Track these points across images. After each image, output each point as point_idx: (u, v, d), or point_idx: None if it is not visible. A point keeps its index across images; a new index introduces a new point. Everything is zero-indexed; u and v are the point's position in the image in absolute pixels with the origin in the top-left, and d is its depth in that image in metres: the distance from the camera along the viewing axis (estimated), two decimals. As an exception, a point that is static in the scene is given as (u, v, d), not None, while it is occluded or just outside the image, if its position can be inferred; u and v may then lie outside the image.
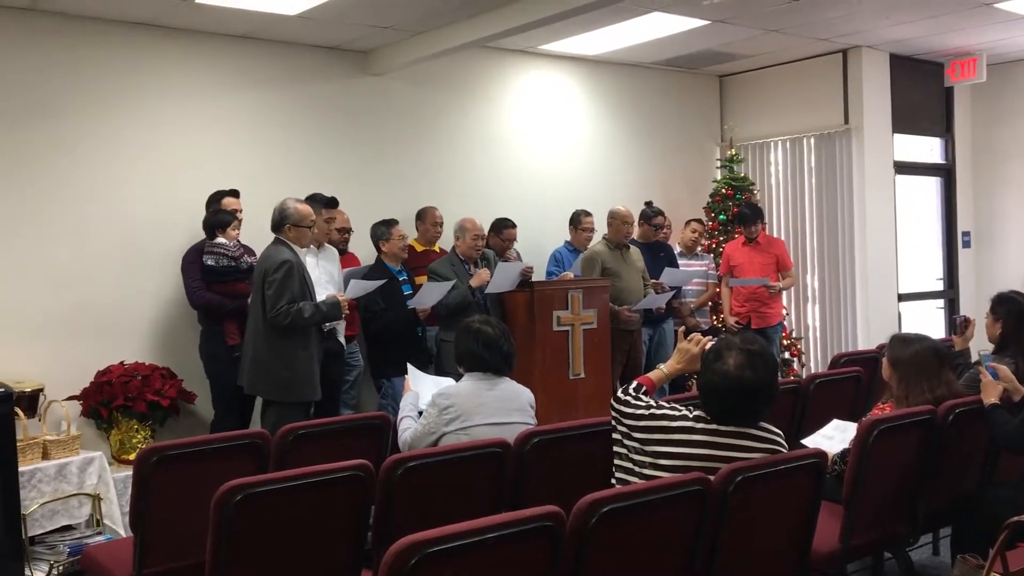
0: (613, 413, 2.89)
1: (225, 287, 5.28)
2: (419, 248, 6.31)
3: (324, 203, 5.36)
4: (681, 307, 6.96)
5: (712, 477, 2.60)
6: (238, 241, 5.38)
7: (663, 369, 3.11)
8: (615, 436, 2.89)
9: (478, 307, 5.59)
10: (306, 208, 4.87)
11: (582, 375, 5.71)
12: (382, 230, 5.83)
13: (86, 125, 5.58)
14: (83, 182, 5.57)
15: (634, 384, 2.97)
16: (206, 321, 5.40)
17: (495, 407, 3.51)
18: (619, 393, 2.91)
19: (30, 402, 4.88)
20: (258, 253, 5.23)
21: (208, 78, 6.03)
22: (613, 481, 2.88)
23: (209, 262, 5.25)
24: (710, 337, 3.15)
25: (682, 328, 3.62)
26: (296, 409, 4.62)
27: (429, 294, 5.51)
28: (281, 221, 4.77)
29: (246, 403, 5.26)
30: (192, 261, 5.35)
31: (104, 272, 5.60)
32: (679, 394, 4.62)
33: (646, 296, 6.35)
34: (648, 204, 7.11)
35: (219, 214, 5.36)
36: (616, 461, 2.87)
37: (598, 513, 2.33)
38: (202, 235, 5.39)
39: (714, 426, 2.73)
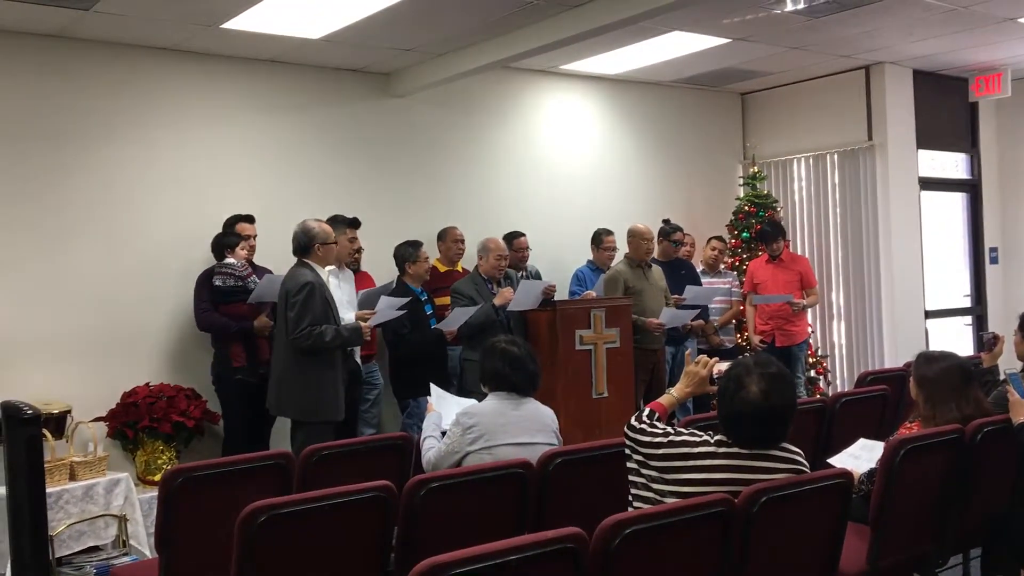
0: (628, 442, 2.83)
1: (231, 308, 5.33)
2: (441, 268, 6.33)
3: (347, 223, 5.39)
4: (704, 326, 6.91)
5: (736, 499, 2.57)
6: (246, 262, 5.43)
7: (673, 393, 3.08)
8: (630, 465, 2.83)
9: (501, 326, 5.59)
10: (327, 226, 4.92)
11: (605, 394, 5.69)
12: (409, 251, 5.86)
13: (112, 149, 5.67)
14: (110, 205, 5.65)
15: (646, 411, 2.92)
16: (216, 343, 5.46)
17: (519, 427, 3.50)
18: (633, 421, 2.85)
19: (58, 424, 4.92)
20: (276, 273, 5.28)
21: (233, 102, 6.11)
22: (630, 510, 2.84)
23: (216, 283, 5.32)
24: (716, 359, 3.13)
25: (688, 351, 3.59)
26: (324, 429, 4.64)
27: (460, 317, 5.52)
28: (310, 241, 4.78)
29: (259, 424, 5.28)
30: (203, 283, 5.43)
31: (130, 294, 5.66)
32: (703, 413, 4.59)
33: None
34: (666, 221, 7.09)
35: (226, 235, 5.43)
36: (633, 490, 2.82)
37: (621, 535, 2.31)
38: (222, 257, 5.45)
39: (736, 449, 2.69)
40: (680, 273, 6.87)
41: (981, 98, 8.18)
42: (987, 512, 3.60)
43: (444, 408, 3.91)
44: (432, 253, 6.25)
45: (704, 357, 3.14)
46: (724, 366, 3.06)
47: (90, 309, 5.53)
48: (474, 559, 2.08)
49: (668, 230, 6.96)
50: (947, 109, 8.23)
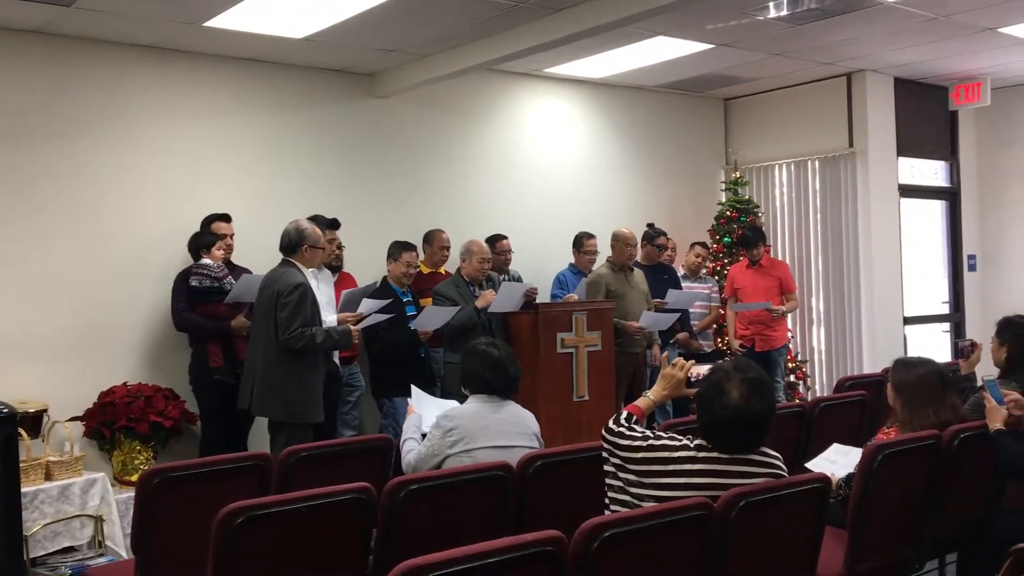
0: (605, 445, 2.82)
1: (208, 308, 5.31)
2: (425, 270, 6.32)
3: (327, 224, 5.38)
4: (688, 340, 6.93)
5: (715, 503, 2.58)
6: (223, 263, 5.40)
7: (650, 396, 3.07)
8: (607, 468, 2.83)
9: (483, 329, 5.59)
10: (318, 229, 4.91)
11: (586, 397, 5.70)
12: (394, 251, 5.86)
13: (93, 147, 5.62)
14: (89, 203, 5.60)
15: (624, 414, 2.90)
16: (194, 343, 5.43)
17: (499, 430, 3.49)
18: (610, 424, 2.84)
19: (33, 423, 4.87)
20: (255, 274, 5.25)
21: (215, 100, 6.08)
22: (607, 513, 2.84)
23: (193, 283, 5.30)
24: (692, 361, 3.13)
25: (665, 354, 3.60)
26: (306, 431, 4.62)
27: (433, 317, 5.52)
28: (300, 242, 4.78)
29: (235, 424, 5.25)
30: (180, 283, 5.41)
31: (108, 293, 5.61)
32: (682, 417, 4.60)
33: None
34: (650, 226, 7.12)
35: (203, 236, 5.40)
36: (610, 494, 2.81)
37: (600, 538, 2.31)
38: (200, 257, 5.42)
39: (715, 454, 2.70)
40: (663, 277, 6.90)
41: (961, 107, 8.26)
42: (963, 517, 3.63)
43: (424, 410, 3.90)
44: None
45: (680, 359, 3.15)
46: (702, 369, 3.07)
47: (67, 308, 5.49)
48: (453, 561, 2.07)
49: (652, 234, 6.99)
50: (927, 117, 8.30)
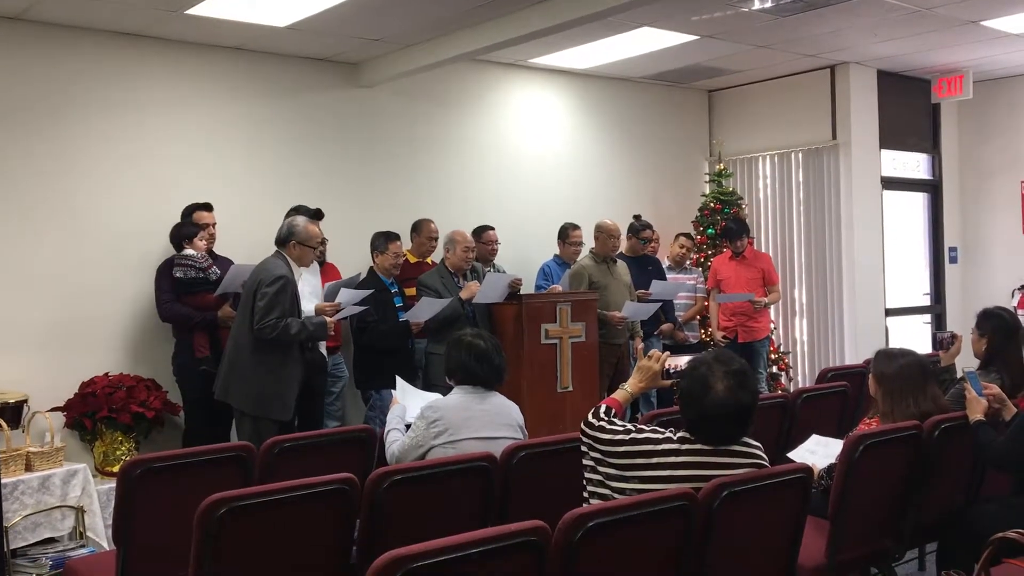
0: (585, 439, 2.82)
1: (194, 299, 5.29)
2: (412, 260, 6.30)
3: (309, 215, 5.35)
4: (672, 331, 6.96)
5: (698, 493, 2.59)
6: (206, 253, 5.37)
7: (627, 389, 3.07)
8: (586, 462, 2.82)
9: (467, 320, 5.58)
10: (315, 229, 4.89)
11: (570, 388, 5.70)
12: (380, 242, 5.83)
13: (72, 135, 5.57)
14: (68, 192, 5.55)
15: (603, 407, 2.89)
16: (178, 333, 5.40)
17: (484, 421, 3.49)
18: (590, 418, 2.83)
19: (13, 413, 4.83)
20: (238, 263, 5.22)
21: (197, 89, 6.03)
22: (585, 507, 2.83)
23: (177, 274, 5.26)
24: (668, 353, 3.14)
25: (640, 346, 3.62)
26: (269, 426, 4.56)
27: (425, 309, 5.50)
28: (288, 237, 4.76)
29: (219, 414, 5.22)
30: (163, 274, 5.37)
31: (89, 282, 5.57)
32: (665, 408, 4.62)
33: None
34: (636, 217, 7.12)
35: (185, 226, 5.37)
36: (590, 488, 2.80)
37: (583, 528, 2.32)
38: (181, 248, 5.39)
39: (699, 446, 2.71)
40: (647, 269, 6.90)
41: (943, 99, 8.30)
42: (943, 507, 3.66)
43: (408, 401, 3.90)
44: (403, 243, 6.22)
45: (656, 351, 3.16)
46: (681, 360, 3.08)
47: (48, 297, 5.44)
48: (436, 552, 2.08)
49: (638, 227, 6.99)
50: (910, 110, 8.35)
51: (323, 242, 5.85)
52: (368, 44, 6.15)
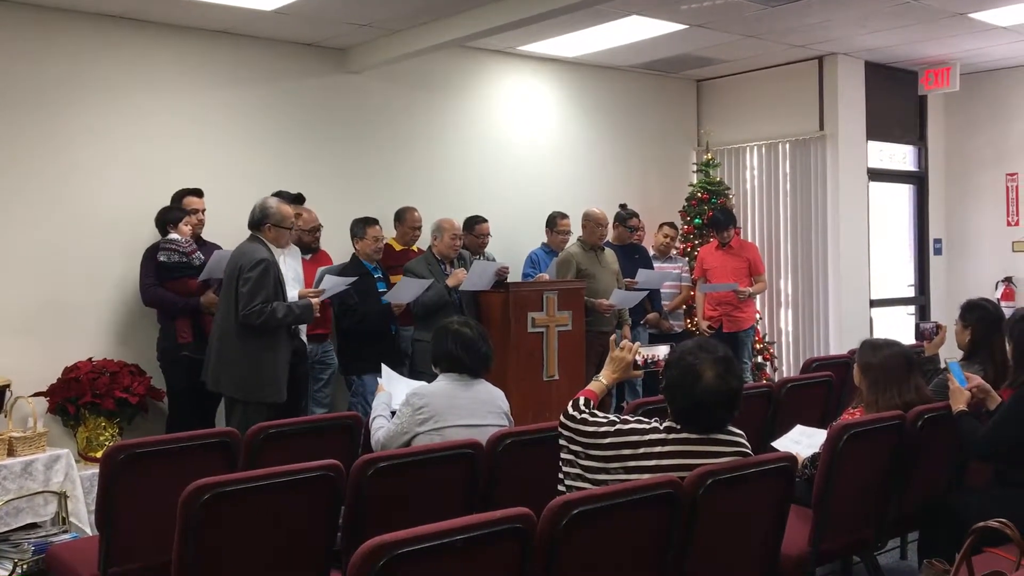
0: (565, 432, 2.79)
1: (177, 284, 5.25)
2: (397, 247, 6.29)
3: (290, 199, 5.33)
4: (658, 320, 7.00)
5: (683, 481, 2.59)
6: (191, 238, 5.34)
7: (602, 380, 3.07)
8: (566, 455, 2.80)
9: (454, 307, 5.57)
10: (288, 209, 4.85)
11: (556, 377, 5.71)
12: (358, 228, 5.81)
13: (56, 119, 5.51)
14: (52, 177, 5.49)
15: (581, 399, 2.87)
16: (162, 319, 5.38)
17: (469, 408, 3.49)
18: (570, 411, 2.81)
19: (-4, 398, 4.81)
20: (225, 248, 5.19)
21: (182, 73, 5.98)
22: None
23: (161, 258, 5.23)
24: (639, 344, 3.15)
25: (613, 336, 3.64)
26: (261, 409, 4.55)
27: (406, 290, 5.50)
28: (262, 220, 4.72)
29: (202, 400, 5.20)
30: (148, 258, 5.33)
31: (73, 267, 5.53)
32: (651, 396, 4.62)
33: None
34: (623, 206, 7.13)
35: (170, 211, 5.33)
36: (568, 481, 2.78)
37: (568, 515, 2.32)
38: (168, 232, 5.35)
39: (685, 435, 2.72)
40: (634, 257, 6.92)
41: (930, 91, 8.33)
42: (926, 497, 3.69)
43: (394, 389, 3.89)
44: (388, 231, 6.20)
45: (627, 342, 3.17)
46: (659, 351, 3.09)
47: (32, 281, 5.40)
48: (421, 538, 2.08)
49: (624, 216, 7.00)
50: (897, 101, 8.37)
51: (318, 228, 5.85)
52: (356, 29, 6.11)
